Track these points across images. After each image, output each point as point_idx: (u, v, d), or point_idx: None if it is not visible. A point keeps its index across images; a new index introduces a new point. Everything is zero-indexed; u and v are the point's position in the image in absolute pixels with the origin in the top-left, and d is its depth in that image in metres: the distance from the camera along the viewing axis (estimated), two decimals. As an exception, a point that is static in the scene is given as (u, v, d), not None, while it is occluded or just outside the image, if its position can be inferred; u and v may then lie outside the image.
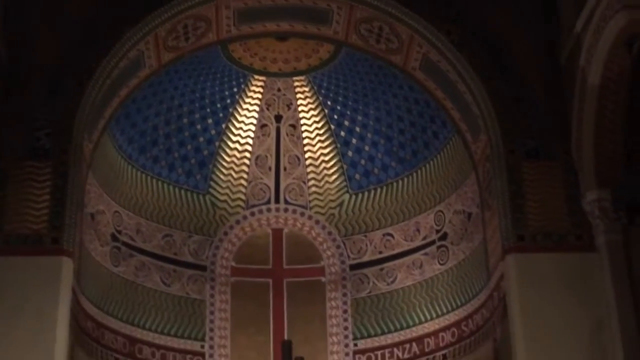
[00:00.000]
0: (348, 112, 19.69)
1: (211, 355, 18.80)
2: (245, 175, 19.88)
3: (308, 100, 19.83)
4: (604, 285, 15.39)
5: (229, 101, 19.55)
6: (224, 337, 19.02)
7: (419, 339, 18.71)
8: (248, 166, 19.93)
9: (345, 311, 19.42)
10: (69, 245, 15.55)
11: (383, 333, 19.11)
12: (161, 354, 18.37)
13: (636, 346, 14.89)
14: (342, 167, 19.91)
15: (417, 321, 18.80)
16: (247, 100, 19.72)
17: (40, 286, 15.27)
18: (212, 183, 19.65)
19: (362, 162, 19.77)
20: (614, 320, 15.12)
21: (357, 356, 19.09)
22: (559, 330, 15.20)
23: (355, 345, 19.20)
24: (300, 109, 19.93)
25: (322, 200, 19.99)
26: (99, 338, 17.29)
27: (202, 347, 18.84)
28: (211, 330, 19.01)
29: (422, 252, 19.07)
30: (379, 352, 19.03)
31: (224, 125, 19.65)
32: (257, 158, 19.99)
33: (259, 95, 19.76)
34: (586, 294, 15.46)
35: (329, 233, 19.87)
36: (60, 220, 15.50)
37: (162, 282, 18.80)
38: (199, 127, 19.44)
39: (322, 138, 19.97)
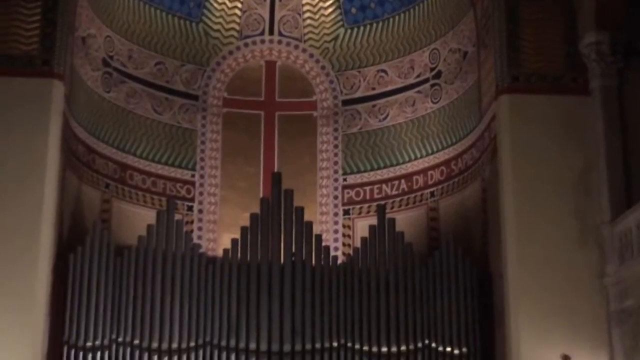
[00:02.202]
0: (347, -58, 19.23)
1: (201, 184, 18.98)
2: (239, 5, 19.50)
3: None
4: (595, 128, 15.46)
5: None
6: (215, 167, 19.14)
7: (407, 176, 18.87)
8: (243, -5, 19.56)
9: (335, 146, 19.49)
10: (59, 68, 15.46)
11: (372, 169, 19.25)
12: (152, 181, 18.51)
13: (622, 188, 15.08)
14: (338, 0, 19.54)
15: (406, 158, 18.92)
16: None
17: (30, 108, 15.30)
18: (205, 11, 19.29)
19: (359, -5, 19.41)
20: (602, 163, 15.27)
21: (345, 191, 19.30)
22: (547, 171, 15.38)
23: (345, 180, 19.38)
24: (297, -64, 19.44)
25: (316, 34, 19.71)
26: (90, 163, 17.38)
27: (193, 176, 18.99)
28: (202, 159, 19.10)
29: (415, 89, 18.98)
30: (367, 188, 19.22)
31: (219, -48, 19.20)
32: (252, -13, 19.61)
33: None
34: (577, 137, 15.56)
35: (323, 67, 19.70)
36: (51, 41, 15.36)
37: (154, 110, 18.74)
38: (193, -47, 19.00)
39: (319, -31, 19.56)
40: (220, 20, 19.44)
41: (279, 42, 19.73)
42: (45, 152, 15.27)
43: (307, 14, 19.66)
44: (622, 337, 14.49)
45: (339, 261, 17.18)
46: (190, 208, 18.76)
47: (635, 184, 15.14)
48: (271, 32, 19.71)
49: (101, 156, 17.65)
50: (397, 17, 19.07)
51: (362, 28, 19.48)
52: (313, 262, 16.64)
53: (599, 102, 15.50)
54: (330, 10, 19.58)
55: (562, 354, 14.68)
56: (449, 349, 16.08)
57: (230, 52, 19.57)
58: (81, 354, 15.59)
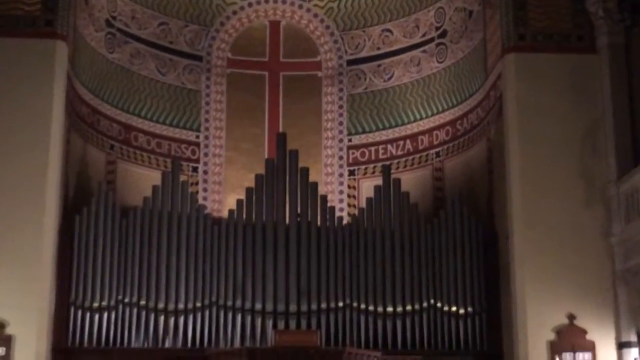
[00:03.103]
0: None
1: (206, 146, 18.94)
2: (243, -36, 19.36)
3: None
4: (602, 87, 15.38)
5: None
6: (219, 128, 19.09)
7: (413, 137, 18.81)
8: (246, -46, 19.39)
9: (340, 106, 19.41)
10: (62, 29, 15.39)
11: (377, 129, 19.18)
12: (156, 142, 18.47)
13: (629, 147, 15.02)
14: (343, -42, 19.37)
15: (412, 119, 18.84)
16: None
17: (34, 70, 15.25)
18: (209, -30, 19.16)
19: (364, -47, 19.23)
20: (608, 122, 15.20)
21: (350, 151, 19.25)
22: (553, 130, 15.32)
23: (350, 140, 19.32)
24: None
25: (321, -7, 19.56)
26: (94, 124, 17.34)
27: (197, 137, 18.94)
28: (206, 120, 19.05)
29: (421, 49, 18.85)
30: (372, 148, 19.17)
31: None
32: (255, -54, 19.41)
33: None
34: (583, 96, 15.48)
35: (327, 27, 19.55)
36: (53, 2, 15.29)
37: (158, 71, 18.65)
38: None
39: None
40: (224, -21, 19.31)
41: (283, 1, 19.55)
42: (50, 113, 15.24)
43: (311, -27, 19.50)
44: (627, 296, 14.51)
45: (344, 222, 17.18)
46: (195, 169, 18.74)
47: (643, 142, 15.11)
48: (275, -8, 19.57)
49: (106, 117, 17.60)
50: (401, -25, 18.94)
51: (366, -14, 19.32)
52: (318, 222, 16.65)
53: (606, 61, 15.41)
54: (334, -32, 19.42)
55: (567, 313, 14.71)
56: (454, 308, 16.13)
57: (234, 12, 19.41)
58: (88, 314, 15.66)
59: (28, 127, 15.12)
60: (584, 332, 14.69)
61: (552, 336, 14.70)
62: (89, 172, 17.12)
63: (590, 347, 14.67)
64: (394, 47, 19.14)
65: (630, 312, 14.40)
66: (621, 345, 14.52)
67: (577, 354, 14.63)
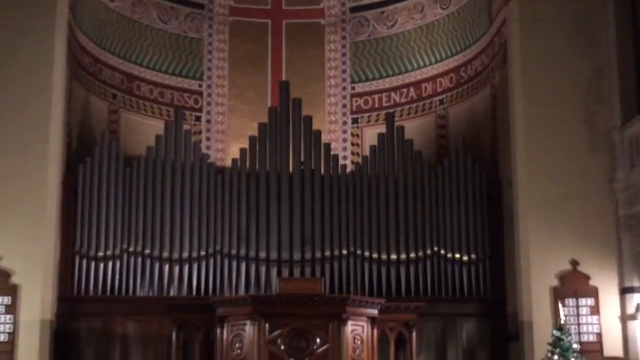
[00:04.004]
0: None
1: (209, 95, 18.86)
2: None
3: None
4: (607, 33, 15.25)
5: None
6: (222, 77, 18.99)
7: (416, 84, 18.70)
8: None
9: (344, 54, 19.28)
10: (63, -22, 15.28)
11: (381, 77, 19.06)
12: (159, 91, 18.39)
13: (633, 93, 14.95)
14: None
15: (415, 66, 18.72)
16: None
17: (35, 19, 15.20)
18: None
19: None
20: (613, 68, 15.11)
21: (354, 99, 19.16)
22: (558, 77, 15.24)
23: (353, 88, 19.22)
24: None
25: (323, -62, 19.34)
26: (96, 74, 17.27)
27: (200, 86, 18.85)
28: (209, 69, 18.95)
29: (425, -5, 18.70)
30: (376, 96, 19.07)
31: None
32: None
33: None
34: (588, 42, 15.37)
35: (330, -26, 19.36)
36: (53, -50, 15.16)
37: (160, 20, 18.50)
38: None
39: None
40: None
41: (286, -52, 19.36)
42: (52, 63, 15.20)
43: None
44: (631, 243, 14.54)
45: (348, 170, 17.17)
46: (198, 118, 18.68)
47: (647, 88, 15.03)
48: (277, -63, 19.35)
49: (108, 67, 17.52)
50: None
51: None
52: (322, 171, 16.64)
53: (612, 6, 15.28)
54: None
55: (571, 260, 14.75)
56: (458, 256, 16.17)
57: (236, -42, 19.24)
58: (93, 264, 15.75)
59: (30, 77, 15.09)
60: (588, 278, 14.74)
61: (555, 282, 14.75)
62: (92, 122, 17.10)
63: (594, 293, 14.73)
64: (398, -6, 18.96)
65: (633, 258, 14.43)
66: (624, 291, 14.58)
67: (580, 300, 14.70)
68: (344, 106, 19.07)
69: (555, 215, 14.82)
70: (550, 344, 13.64)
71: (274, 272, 16.06)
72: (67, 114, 15.74)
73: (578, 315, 14.68)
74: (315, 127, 16.95)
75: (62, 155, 15.51)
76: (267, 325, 14.09)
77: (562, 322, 13.87)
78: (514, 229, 15.40)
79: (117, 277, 15.83)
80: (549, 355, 13.57)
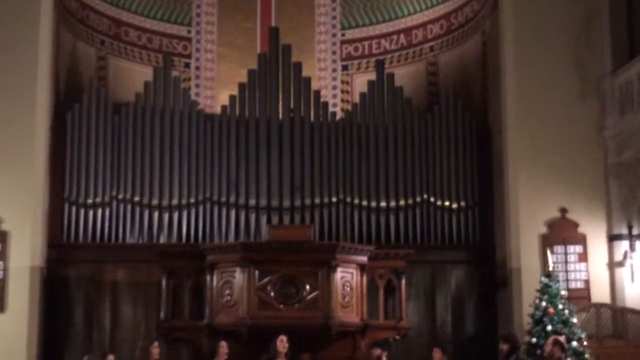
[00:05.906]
0: None
1: (198, 41, 18.67)
2: None
3: None
4: (598, -21, 15.17)
5: None
6: (211, 23, 18.79)
7: (406, 31, 18.55)
8: None
9: (333, 0, 19.09)
10: None
11: (371, 24, 18.89)
12: (147, 37, 18.20)
13: (624, 39, 14.88)
14: None
15: (405, 12, 18.53)
16: None
17: (20, -37, 14.97)
18: None
19: None
20: (604, 14, 15.03)
21: (344, 46, 19.00)
22: (548, 23, 15.16)
23: (343, 35, 19.04)
24: None
25: None
26: (84, 19, 17.07)
27: (189, 32, 18.65)
28: (198, 15, 18.73)
29: (416, -55, 18.47)
30: (365, 43, 18.92)
31: None
32: None
33: None
34: (579, -13, 15.27)
35: None
36: None
37: (147, -36, 18.29)
38: None
39: None
40: None
41: None
42: (38, 8, 15.05)
43: None
44: (619, 189, 14.59)
45: (338, 117, 17.12)
46: (187, 65, 18.51)
47: (638, 35, 14.92)
48: None
49: (95, 12, 17.31)
50: None
51: None
52: (312, 118, 16.58)
53: (603, -49, 15.17)
54: None
55: (559, 207, 14.80)
56: (447, 203, 16.20)
57: None
58: (82, 210, 15.73)
59: (16, 21, 14.95)
60: (576, 225, 14.81)
61: (543, 229, 14.82)
62: (80, 68, 16.94)
63: (582, 240, 14.80)
64: (390, -48, 18.72)
65: (621, 205, 14.49)
66: (612, 238, 14.67)
67: (568, 246, 14.78)
68: (334, 53, 18.92)
69: (544, 161, 14.83)
70: (538, 291, 13.73)
71: (264, 219, 16.07)
72: (55, 59, 15.61)
73: (566, 262, 14.76)
74: (304, 73, 16.84)
75: (50, 100, 15.42)
76: (257, 272, 14.17)
77: (550, 268, 13.95)
78: (502, 177, 15.43)
79: (107, 224, 15.82)
80: (537, 301, 13.66)
